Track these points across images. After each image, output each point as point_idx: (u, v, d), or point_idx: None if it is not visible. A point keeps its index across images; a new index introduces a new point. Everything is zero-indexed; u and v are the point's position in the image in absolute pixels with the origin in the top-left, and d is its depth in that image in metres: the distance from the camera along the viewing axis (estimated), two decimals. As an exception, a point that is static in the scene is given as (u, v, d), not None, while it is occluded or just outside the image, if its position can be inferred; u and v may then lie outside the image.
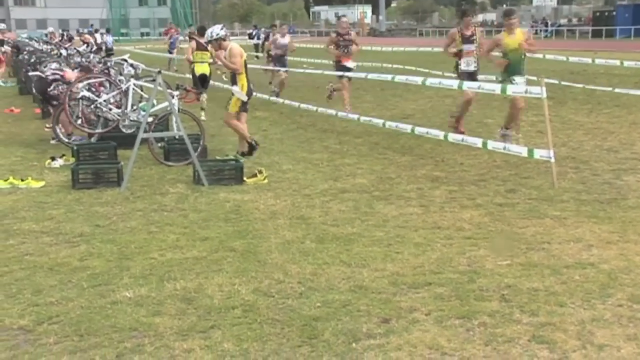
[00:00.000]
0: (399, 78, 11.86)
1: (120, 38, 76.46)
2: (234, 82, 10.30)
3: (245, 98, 10.27)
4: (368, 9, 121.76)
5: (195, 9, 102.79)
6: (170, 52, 29.92)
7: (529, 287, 5.19)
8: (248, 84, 10.33)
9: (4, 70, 24.24)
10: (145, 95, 11.64)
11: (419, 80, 11.26)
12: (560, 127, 12.49)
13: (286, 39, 18.12)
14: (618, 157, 9.90)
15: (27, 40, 27.05)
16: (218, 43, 10.32)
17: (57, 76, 11.94)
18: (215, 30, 10.39)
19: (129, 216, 7.38)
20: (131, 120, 11.07)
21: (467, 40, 11.44)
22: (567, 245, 6.16)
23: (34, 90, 12.93)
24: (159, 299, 5.07)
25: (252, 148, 10.46)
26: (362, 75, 13.55)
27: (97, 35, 35.87)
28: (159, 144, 10.58)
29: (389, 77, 12.06)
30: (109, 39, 36.24)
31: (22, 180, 8.83)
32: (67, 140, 11.36)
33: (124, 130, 11.10)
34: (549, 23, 71.22)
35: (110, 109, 11.21)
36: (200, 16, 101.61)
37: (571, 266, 5.63)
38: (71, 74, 12.05)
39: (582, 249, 6.06)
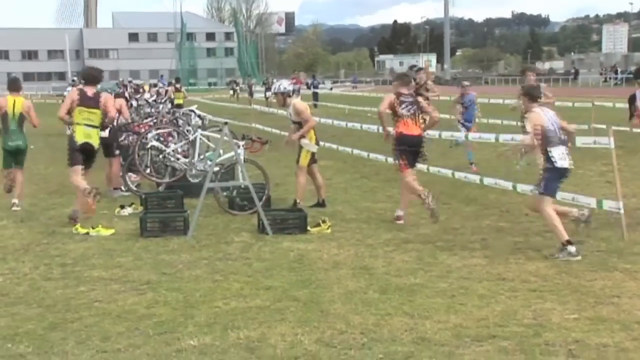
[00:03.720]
0: (473, 136, 11.44)
1: (190, 88, 78.64)
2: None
3: (315, 149, 10.31)
4: (433, 58, 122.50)
5: (261, 59, 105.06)
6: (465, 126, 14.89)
7: (597, 343, 5.05)
8: (316, 134, 10.46)
9: None
10: (212, 145, 11.91)
11: (492, 137, 10.99)
12: (631, 177, 12.22)
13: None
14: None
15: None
16: (284, 97, 10.38)
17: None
18: (284, 84, 10.60)
19: (194, 264, 7.51)
20: (198, 170, 11.32)
21: None
22: (638, 300, 5.99)
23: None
24: (223, 348, 5.12)
25: (295, 204, 10.19)
26: (449, 134, 13.03)
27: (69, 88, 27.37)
28: (225, 193, 10.70)
29: (461, 134, 11.83)
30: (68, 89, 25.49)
31: (93, 227, 9.09)
32: (135, 189, 11.67)
33: (191, 179, 11.33)
34: (619, 70, 70.17)
35: (178, 159, 11.50)
36: (267, 66, 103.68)
37: (642, 322, 5.46)
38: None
39: (654, 304, 5.89)
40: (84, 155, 9.57)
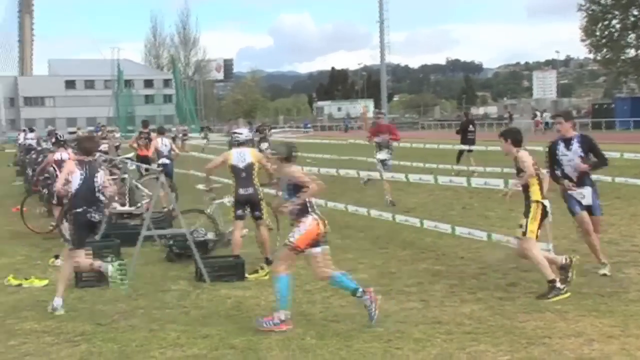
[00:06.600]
0: (413, 177, 12.03)
1: (128, 134, 77.74)
2: None
3: (227, 203, 9.71)
4: (370, 103, 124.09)
5: (200, 105, 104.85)
6: None
7: (529, 383, 5.16)
8: (237, 189, 9.43)
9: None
10: (150, 193, 11.84)
11: (431, 179, 11.47)
12: (562, 219, 12.51)
13: None
14: (619, 250, 9.93)
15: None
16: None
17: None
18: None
19: (130, 314, 7.41)
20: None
21: None
22: (568, 340, 6.15)
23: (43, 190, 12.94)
24: (158, 399, 5.05)
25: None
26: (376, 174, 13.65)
27: (21, 135, 32.85)
28: (162, 241, 10.61)
29: (402, 176, 12.30)
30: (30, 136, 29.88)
31: (26, 279, 8.89)
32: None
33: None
34: (547, 115, 72.15)
35: (115, 208, 11.38)
36: (206, 112, 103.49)
37: (572, 361, 5.61)
38: None
39: (584, 344, 6.05)
40: None
